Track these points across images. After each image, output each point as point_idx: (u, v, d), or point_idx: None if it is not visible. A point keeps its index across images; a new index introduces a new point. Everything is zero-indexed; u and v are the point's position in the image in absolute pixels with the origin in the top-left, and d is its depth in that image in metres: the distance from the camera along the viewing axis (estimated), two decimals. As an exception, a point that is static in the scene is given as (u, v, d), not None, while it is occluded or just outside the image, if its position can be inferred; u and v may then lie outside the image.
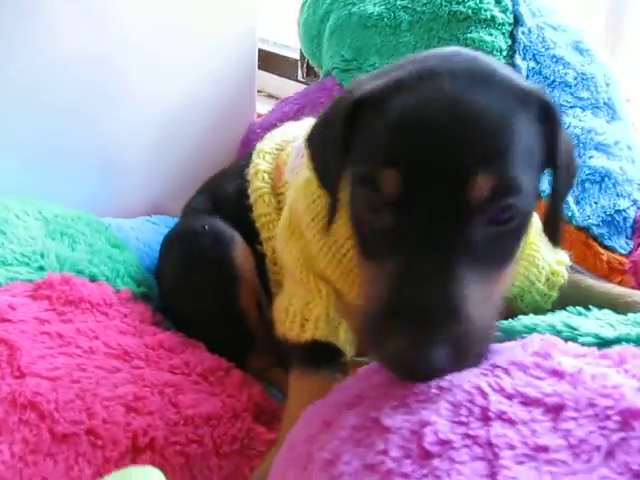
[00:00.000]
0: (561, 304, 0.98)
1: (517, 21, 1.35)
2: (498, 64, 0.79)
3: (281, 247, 1.02)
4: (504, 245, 0.73)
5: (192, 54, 1.55)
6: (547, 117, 0.76)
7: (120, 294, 1.10)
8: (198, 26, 1.54)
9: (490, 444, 0.62)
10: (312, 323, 0.94)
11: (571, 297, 0.99)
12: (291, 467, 0.74)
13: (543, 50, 1.33)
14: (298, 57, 1.92)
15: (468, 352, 0.68)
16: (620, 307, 0.93)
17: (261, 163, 1.15)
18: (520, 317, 0.94)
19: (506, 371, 0.71)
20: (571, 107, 1.28)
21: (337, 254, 0.94)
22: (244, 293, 1.10)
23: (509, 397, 0.67)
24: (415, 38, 1.39)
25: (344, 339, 0.95)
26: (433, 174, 0.68)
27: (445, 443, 0.63)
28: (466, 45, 1.31)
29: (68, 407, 0.85)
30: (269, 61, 2.02)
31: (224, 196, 1.21)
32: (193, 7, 1.53)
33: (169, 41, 1.50)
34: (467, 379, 0.69)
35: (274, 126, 1.39)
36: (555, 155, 0.76)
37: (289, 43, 2.10)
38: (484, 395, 0.67)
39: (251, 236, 1.13)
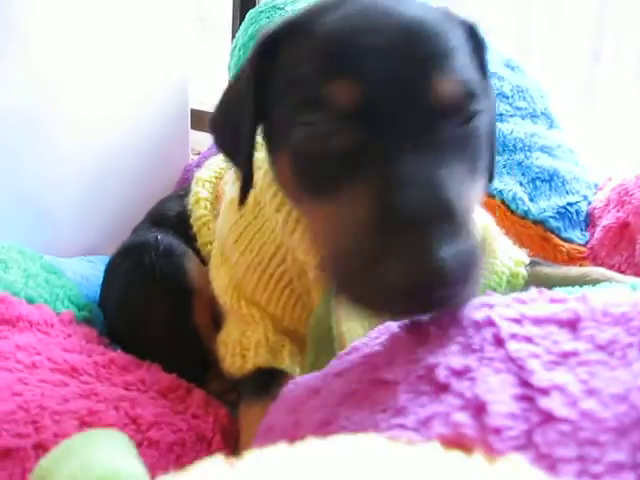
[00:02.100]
0: None
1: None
2: None
3: (213, 276, 0.96)
4: (473, 147, 0.66)
5: (127, 107, 1.54)
6: (472, 37, 0.74)
7: (61, 316, 0.99)
8: (132, 80, 1.55)
9: (511, 359, 0.55)
10: (252, 351, 0.86)
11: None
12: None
13: (477, 66, 1.35)
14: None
15: (475, 258, 0.59)
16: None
17: (201, 191, 1.10)
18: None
19: (506, 305, 0.65)
20: (511, 116, 1.30)
21: (263, 276, 0.87)
22: (199, 307, 1.01)
23: (517, 321, 0.61)
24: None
25: (290, 362, 0.87)
26: (393, 78, 0.62)
27: (461, 371, 0.56)
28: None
29: (10, 419, 0.74)
30: (201, 120, 2.01)
31: (167, 223, 1.14)
32: (126, 61, 1.53)
33: (102, 97, 1.49)
34: (467, 315, 0.64)
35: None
36: (485, 71, 0.75)
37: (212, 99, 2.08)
38: (491, 323, 0.61)
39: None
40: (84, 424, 0.77)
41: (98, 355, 0.92)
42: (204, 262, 1.05)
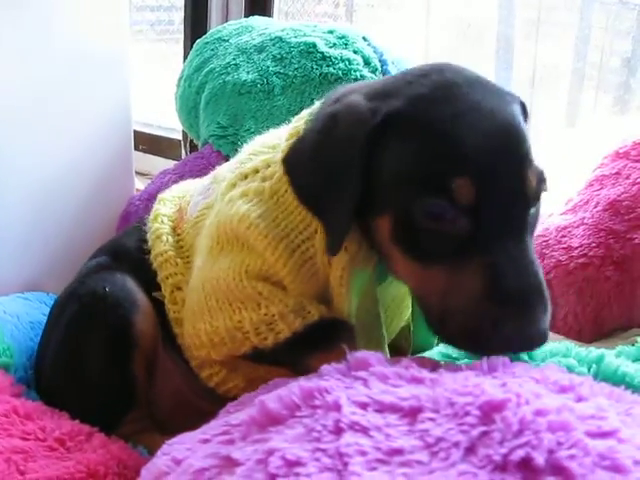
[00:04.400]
0: None
1: (387, 80, 1.37)
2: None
3: (200, 267, 0.98)
4: (535, 223, 0.82)
5: (67, 131, 1.52)
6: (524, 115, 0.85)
7: (-26, 365, 1.01)
8: (72, 104, 1.52)
9: (340, 454, 0.57)
10: (281, 323, 0.90)
11: None
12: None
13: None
14: (181, 138, 1.93)
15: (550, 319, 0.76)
16: None
17: (161, 227, 1.10)
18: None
19: (365, 382, 0.67)
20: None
21: (288, 248, 0.90)
22: (139, 360, 1.03)
23: (363, 406, 0.63)
24: (289, 101, 1.42)
25: (317, 310, 0.91)
26: (500, 179, 0.76)
27: (293, 463, 0.57)
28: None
29: None
30: (152, 144, 2.03)
31: (126, 257, 1.13)
32: (68, 89, 1.52)
33: (40, 122, 1.47)
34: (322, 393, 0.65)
35: (154, 196, 1.36)
36: None
37: (172, 125, 2.12)
38: (338, 408, 0.62)
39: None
40: (-33, 479, 0.78)
41: (2, 404, 0.93)
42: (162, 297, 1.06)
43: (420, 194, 0.77)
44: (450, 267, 0.78)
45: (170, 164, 1.71)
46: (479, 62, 2.17)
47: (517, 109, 0.82)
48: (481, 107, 0.78)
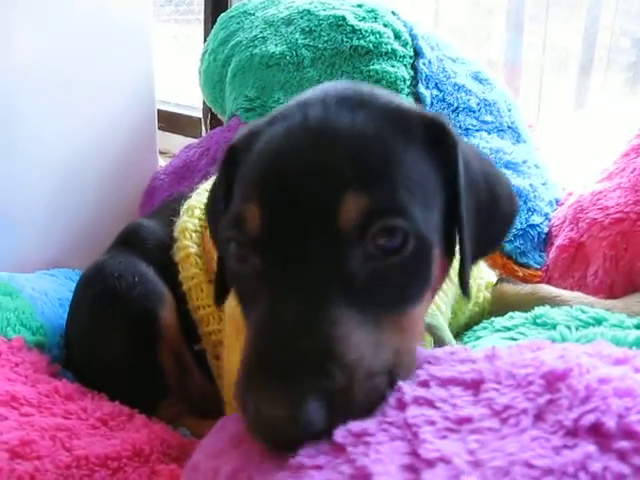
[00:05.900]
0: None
1: (417, 54, 1.37)
2: (385, 92, 0.72)
3: (225, 356, 0.97)
4: (399, 280, 0.62)
5: (90, 105, 1.52)
6: (441, 141, 0.68)
7: (11, 343, 1.01)
8: (95, 78, 1.52)
9: (408, 424, 0.57)
10: None
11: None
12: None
13: (445, 79, 1.35)
14: (201, 115, 1.92)
15: (348, 404, 0.57)
16: (529, 305, 0.95)
17: (190, 245, 1.08)
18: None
19: (418, 364, 0.66)
20: (477, 130, 1.29)
21: None
22: (165, 351, 1.04)
23: (424, 384, 0.62)
24: (318, 73, 1.40)
25: None
26: (295, 204, 0.60)
27: (359, 434, 0.57)
28: (369, 76, 1.34)
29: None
30: (172, 122, 2.02)
31: (146, 252, 1.13)
32: (92, 65, 1.51)
33: (66, 102, 1.47)
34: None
35: (180, 170, 1.35)
36: (456, 182, 0.67)
37: (191, 102, 2.11)
38: (398, 387, 0.61)
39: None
40: (15, 455, 0.78)
41: (43, 384, 0.94)
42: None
43: (226, 226, 0.65)
44: (247, 315, 0.66)
45: (189, 142, 1.70)
46: (488, 41, 2.15)
47: (386, 128, 0.65)
48: (306, 127, 0.65)
